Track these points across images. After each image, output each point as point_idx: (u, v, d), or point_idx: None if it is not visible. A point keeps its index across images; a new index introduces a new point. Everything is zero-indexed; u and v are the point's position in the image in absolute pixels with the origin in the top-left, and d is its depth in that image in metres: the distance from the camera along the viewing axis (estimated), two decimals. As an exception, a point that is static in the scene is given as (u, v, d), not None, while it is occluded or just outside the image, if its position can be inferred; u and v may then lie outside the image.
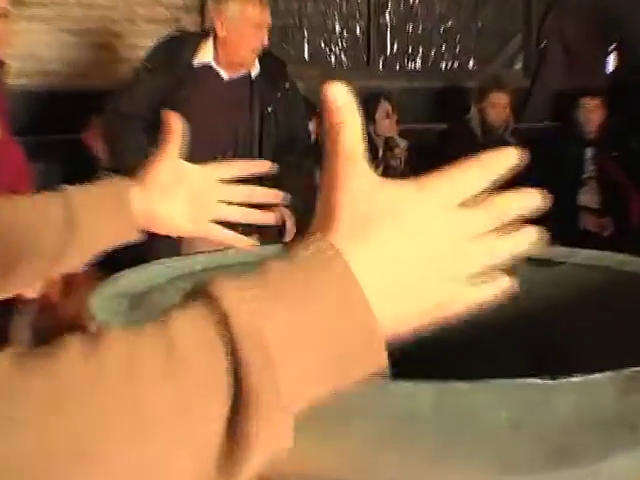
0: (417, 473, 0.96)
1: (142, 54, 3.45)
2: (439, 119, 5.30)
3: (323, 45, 5.34)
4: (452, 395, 0.88)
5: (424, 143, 4.86)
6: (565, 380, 0.90)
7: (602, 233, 4.27)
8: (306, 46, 5.28)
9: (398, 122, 4.71)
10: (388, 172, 4.54)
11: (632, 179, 4.47)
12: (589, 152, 4.57)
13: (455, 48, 5.62)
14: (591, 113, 4.48)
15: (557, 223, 4.39)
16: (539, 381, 0.89)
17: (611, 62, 5.85)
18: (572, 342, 1.46)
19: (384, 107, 4.58)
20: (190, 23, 4.72)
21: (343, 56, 5.40)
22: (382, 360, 0.57)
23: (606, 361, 0.95)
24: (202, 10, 4.69)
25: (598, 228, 4.27)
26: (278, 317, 0.49)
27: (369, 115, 4.40)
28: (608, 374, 0.92)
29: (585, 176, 4.55)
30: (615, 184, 4.48)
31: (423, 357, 1.68)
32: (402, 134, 4.72)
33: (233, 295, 0.50)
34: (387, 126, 4.62)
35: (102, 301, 1.22)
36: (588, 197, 4.53)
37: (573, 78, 5.53)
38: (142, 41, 4.32)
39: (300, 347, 0.50)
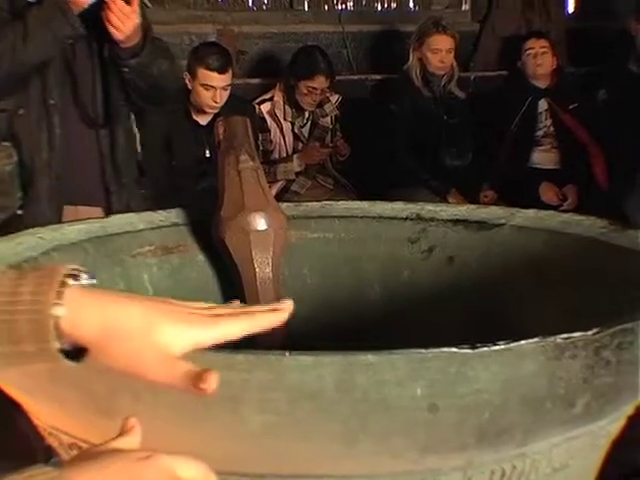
0: (323, 460, 0.97)
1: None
2: (375, 69, 5.30)
3: (239, -17, 5.28)
4: (358, 370, 0.89)
5: (358, 97, 4.85)
6: (486, 349, 0.91)
7: (562, 206, 4.29)
8: (219, -15, 5.22)
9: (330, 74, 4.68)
10: (318, 133, 4.53)
11: (594, 135, 4.52)
12: (543, 104, 4.62)
13: (393, -14, 5.60)
14: (538, 57, 4.50)
15: (508, 187, 4.45)
16: (456, 350, 0.89)
17: (570, 3, 5.92)
18: (507, 310, 1.49)
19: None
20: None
21: (262, -4, 5.37)
22: None
23: (543, 331, 0.97)
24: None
25: (557, 201, 4.29)
26: None
27: (298, 70, 4.34)
28: (535, 341, 0.93)
29: (539, 133, 4.59)
30: (575, 142, 4.52)
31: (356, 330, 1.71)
32: (333, 86, 4.69)
33: None
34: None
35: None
36: (543, 157, 4.58)
37: (528, 22, 5.58)
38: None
39: None
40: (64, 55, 2.70)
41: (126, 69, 2.68)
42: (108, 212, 2.70)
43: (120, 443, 0.84)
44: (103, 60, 2.71)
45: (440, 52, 4.43)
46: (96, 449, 0.83)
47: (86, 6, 2.54)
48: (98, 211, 2.76)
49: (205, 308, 0.88)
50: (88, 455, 0.82)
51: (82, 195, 2.81)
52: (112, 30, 2.54)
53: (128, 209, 2.72)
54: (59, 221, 2.63)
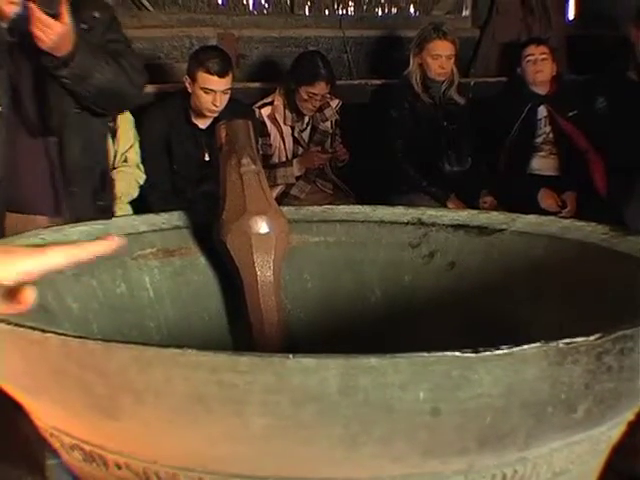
0: (325, 463, 0.97)
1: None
2: (376, 74, 5.32)
3: (240, -13, 5.30)
4: (361, 373, 0.89)
5: (359, 101, 4.86)
6: (489, 353, 0.91)
7: (561, 212, 4.29)
8: (219, -12, 5.24)
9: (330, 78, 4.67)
10: (318, 137, 4.53)
11: (593, 142, 4.53)
12: (543, 111, 4.63)
13: (393, -8, 5.62)
14: (538, 64, 4.51)
15: (507, 193, 4.46)
16: (459, 354, 0.90)
17: (571, 10, 5.93)
18: (508, 315, 1.50)
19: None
20: None
21: (263, 0, 5.38)
22: None
23: (544, 336, 0.97)
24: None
25: (557, 208, 4.29)
26: None
27: (299, 76, 4.34)
28: (537, 346, 0.93)
29: (539, 140, 4.60)
30: (574, 149, 4.54)
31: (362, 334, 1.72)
32: (333, 91, 4.69)
33: None
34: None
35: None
36: (543, 163, 4.59)
37: (528, 28, 5.59)
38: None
39: None
40: (5, 62, 2.66)
41: (63, 79, 2.64)
42: (58, 222, 2.60)
43: None
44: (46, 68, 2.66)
45: (440, 58, 4.45)
46: None
47: (12, 16, 2.51)
48: (46, 221, 2.70)
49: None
50: None
51: (32, 204, 2.75)
52: (36, 39, 2.51)
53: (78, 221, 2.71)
54: (1, 228, 2.61)
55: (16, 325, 1.04)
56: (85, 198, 2.84)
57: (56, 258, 0.92)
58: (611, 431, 1.15)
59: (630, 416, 1.17)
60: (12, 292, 0.86)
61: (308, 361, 0.87)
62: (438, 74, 4.48)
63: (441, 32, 4.47)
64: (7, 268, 0.88)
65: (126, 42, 2.93)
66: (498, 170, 4.57)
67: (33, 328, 1.02)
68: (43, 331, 1.02)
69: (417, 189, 4.32)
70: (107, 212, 2.95)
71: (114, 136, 4.05)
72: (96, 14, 2.78)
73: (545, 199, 4.42)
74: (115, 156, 4.06)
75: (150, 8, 4.93)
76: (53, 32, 2.51)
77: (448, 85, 4.57)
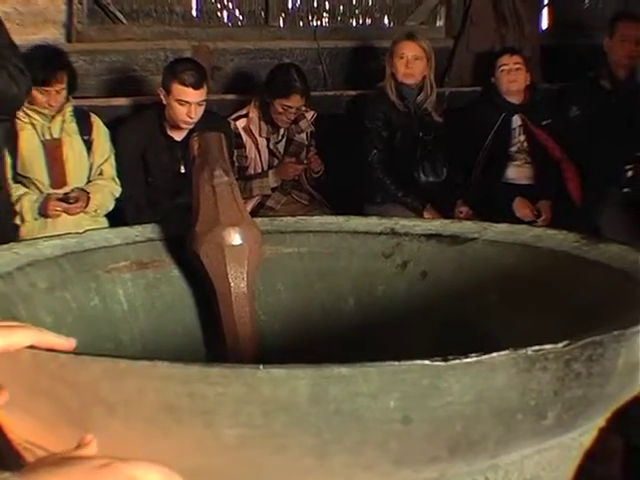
0: (297, 473, 0.98)
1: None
2: (350, 85, 5.33)
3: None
4: (331, 382, 0.90)
5: (334, 112, 4.87)
6: (458, 361, 0.92)
7: (536, 221, 4.30)
8: (194, 1, 5.24)
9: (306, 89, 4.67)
10: (293, 149, 4.53)
11: (568, 151, 4.55)
12: (517, 120, 4.66)
13: (368, 2, 5.65)
14: (512, 74, 4.55)
15: (483, 202, 4.46)
16: (429, 363, 0.91)
17: (544, 19, 5.97)
18: (480, 323, 1.51)
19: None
20: None
21: (237, 12, 5.39)
22: None
23: (516, 343, 0.98)
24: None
25: (532, 217, 4.30)
26: None
27: (274, 89, 4.33)
28: (506, 354, 0.95)
29: (513, 149, 4.62)
30: (548, 157, 4.56)
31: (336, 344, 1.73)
32: (308, 103, 4.69)
33: None
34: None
35: None
36: (517, 172, 4.60)
37: (502, 38, 5.63)
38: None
39: None
40: None
41: None
42: None
43: (78, 453, 0.86)
44: None
45: (406, 58, 4.44)
46: (55, 457, 0.84)
47: None
48: None
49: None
50: (48, 462, 0.83)
51: None
52: None
53: None
54: None
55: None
56: None
57: (18, 339, 0.96)
58: (582, 437, 1.17)
59: (601, 422, 1.19)
60: None
61: (278, 371, 0.88)
62: (405, 76, 4.45)
63: (411, 36, 4.48)
64: None
65: (12, 46, 2.89)
66: (473, 180, 4.59)
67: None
68: (15, 345, 1.02)
69: (393, 199, 4.33)
70: None
71: (89, 149, 4.05)
72: None
73: (520, 208, 4.44)
74: (91, 169, 4.05)
75: (124, 21, 4.93)
76: None
77: (424, 98, 4.56)
